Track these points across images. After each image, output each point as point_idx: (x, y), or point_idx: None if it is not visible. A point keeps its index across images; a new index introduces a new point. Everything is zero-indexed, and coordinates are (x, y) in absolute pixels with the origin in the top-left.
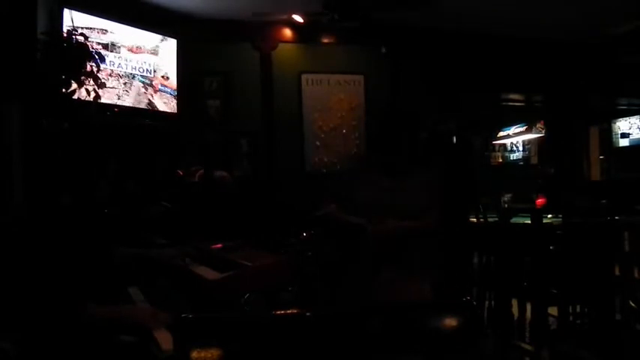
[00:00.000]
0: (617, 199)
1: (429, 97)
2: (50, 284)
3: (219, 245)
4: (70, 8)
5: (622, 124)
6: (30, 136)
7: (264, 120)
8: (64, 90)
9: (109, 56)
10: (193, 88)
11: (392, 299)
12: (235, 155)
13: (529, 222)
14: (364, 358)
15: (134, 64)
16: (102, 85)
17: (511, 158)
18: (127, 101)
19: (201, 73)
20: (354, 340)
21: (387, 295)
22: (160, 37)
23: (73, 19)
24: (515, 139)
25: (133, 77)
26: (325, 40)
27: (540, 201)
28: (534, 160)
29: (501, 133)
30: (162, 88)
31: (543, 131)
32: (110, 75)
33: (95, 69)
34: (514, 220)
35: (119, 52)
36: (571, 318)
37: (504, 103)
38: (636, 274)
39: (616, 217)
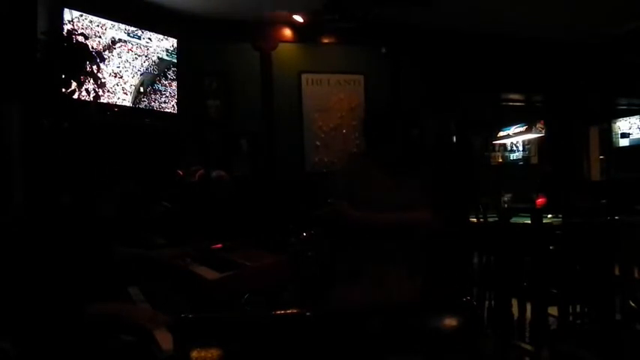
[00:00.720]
0: (617, 199)
1: (429, 97)
2: (50, 284)
3: (219, 245)
4: (70, 8)
5: (622, 124)
6: (30, 136)
7: (264, 120)
8: (64, 90)
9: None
10: (193, 88)
11: (393, 299)
12: (235, 155)
13: (529, 222)
14: (364, 358)
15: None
16: (102, 85)
17: (511, 158)
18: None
19: (201, 73)
20: (354, 340)
21: (389, 295)
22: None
23: (73, 19)
24: (515, 139)
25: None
26: (325, 40)
27: (540, 201)
28: (534, 160)
29: (501, 133)
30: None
31: (543, 131)
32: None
33: (95, 69)
34: (514, 220)
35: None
36: (571, 318)
37: (504, 103)
38: (636, 274)
39: (616, 217)
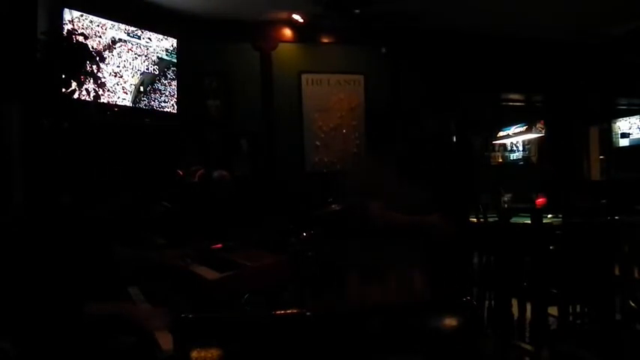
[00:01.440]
0: (617, 199)
1: (430, 97)
2: (50, 284)
3: (219, 245)
4: (71, 8)
5: (622, 124)
6: (30, 136)
7: (264, 120)
8: (64, 90)
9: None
10: (193, 88)
11: (404, 298)
12: (235, 155)
13: (529, 222)
14: (364, 357)
15: None
16: (102, 85)
17: (511, 158)
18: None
19: (201, 73)
20: (354, 339)
21: (399, 294)
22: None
23: (73, 19)
24: (515, 139)
25: None
26: (325, 40)
27: (540, 201)
28: (534, 160)
29: (501, 133)
30: None
31: (543, 131)
32: None
33: (95, 69)
34: (514, 220)
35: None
36: (571, 318)
37: (504, 103)
38: (636, 274)
39: (616, 217)
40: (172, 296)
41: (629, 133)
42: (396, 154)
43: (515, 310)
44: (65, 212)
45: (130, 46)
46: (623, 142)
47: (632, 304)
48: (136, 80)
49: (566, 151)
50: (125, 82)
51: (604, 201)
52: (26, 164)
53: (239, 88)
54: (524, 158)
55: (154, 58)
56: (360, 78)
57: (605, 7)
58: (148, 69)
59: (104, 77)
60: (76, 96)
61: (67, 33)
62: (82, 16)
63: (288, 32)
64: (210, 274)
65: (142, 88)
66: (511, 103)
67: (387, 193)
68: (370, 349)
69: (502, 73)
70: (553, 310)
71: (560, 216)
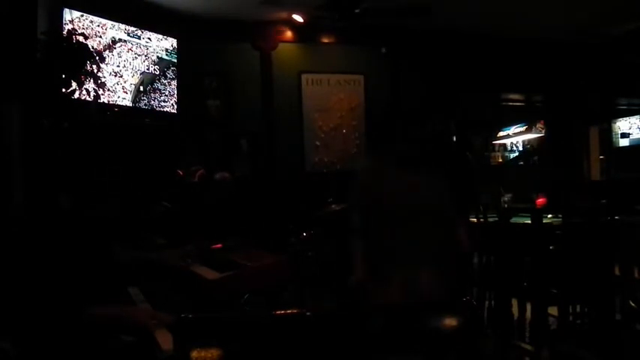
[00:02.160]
0: (617, 199)
1: (429, 97)
2: (50, 285)
3: (219, 245)
4: (71, 8)
5: (622, 124)
6: (30, 136)
7: (264, 120)
8: (64, 90)
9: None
10: (193, 88)
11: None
12: (235, 155)
13: (529, 222)
14: (364, 357)
15: None
16: (102, 85)
17: (511, 158)
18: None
19: (201, 73)
20: (354, 339)
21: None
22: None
23: (73, 19)
24: (515, 139)
25: None
26: (325, 40)
27: (540, 201)
28: (534, 160)
29: (501, 133)
30: None
31: (543, 131)
32: None
33: (95, 69)
34: (514, 220)
35: None
36: (571, 318)
37: (504, 103)
38: (636, 274)
39: (616, 217)
40: (172, 296)
41: (629, 133)
42: (397, 154)
43: (515, 310)
44: (65, 212)
45: (129, 46)
46: (623, 142)
47: (632, 304)
48: (136, 80)
49: (566, 151)
50: (125, 82)
51: (604, 201)
52: (26, 164)
53: (239, 88)
54: (524, 158)
55: (154, 57)
56: (360, 78)
57: (605, 7)
58: (148, 69)
59: (104, 77)
60: (76, 96)
61: (67, 33)
62: (82, 16)
63: (288, 32)
64: (210, 274)
65: (141, 88)
66: (511, 103)
67: (402, 193)
68: (370, 349)
69: (502, 73)
70: (553, 310)
71: (560, 216)
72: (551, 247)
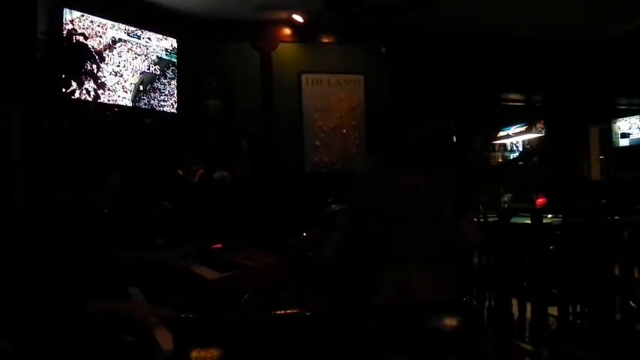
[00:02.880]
0: (617, 199)
1: (429, 97)
2: (50, 284)
3: (219, 245)
4: (71, 8)
5: (622, 124)
6: (30, 136)
7: (264, 120)
8: (64, 90)
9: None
10: (193, 88)
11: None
12: (235, 155)
13: (529, 222)
14: (364, 357)
15: None
16: (102, 85)
17: (511, 158)
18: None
19: (201, 73)
20: (354, 339)
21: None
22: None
23: (73, 19)
24: (515, 139)
25: None
26: (325, 40)
27: (540, 201)
28: (534, 161)
29: (501, 133)
30: None
31: (543, 131)
32: None
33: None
34: (514, 220)
35: None
36: (571, 318)
37: (504, 103)
38: (636, 274)
39: (616, 217)
40: (172, 296)
41: (629, 133)
42: (395, 154)
43: (515, 310)
44: (65, 212)
45: (129, 45)
46: (623, 142)
47: (632, 304)
48: (136, 80)
49: (566, 151)
50: (125, 82)
51: (604, 201)
52: (26, 164)
53: (239, 88)
54: (524, 158)
55: (154, 57)
56: (360, 78)
57: (605, 7)
58: (148, 69)
59: (104, 77)
60: (76, 96)
61: (67, 33)
62: (82, 16)
63: (288, 32)
64: (210, 274)
65: (141, 88)
66: (511, 103)
67: (402, 195)
68: (370, 349)
69: (502, 73)
70: (553, 310)
71: (560, 216)
72: (551, 247)
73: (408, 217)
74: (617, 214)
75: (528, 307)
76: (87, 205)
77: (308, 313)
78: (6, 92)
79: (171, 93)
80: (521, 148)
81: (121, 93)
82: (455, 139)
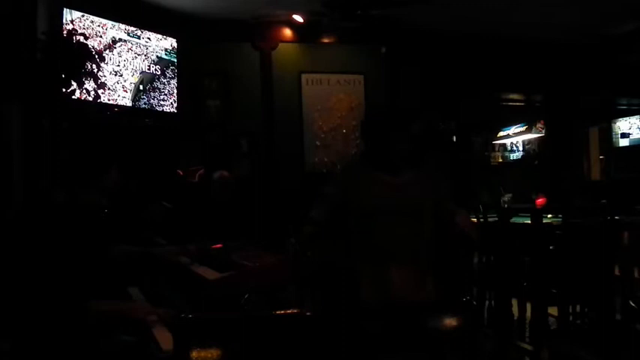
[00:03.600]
0: (617, 199)
1: (429, 97)
2: (50, 284)
3: (219, 245)
4: (71, 8)
5: (622, 124)
6: (30, 136)
7: (264, 120)
8: (64, 90)
9: None
10: (193, 88)
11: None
12: (235, 155)
13: (529, 222)
14: (364, 357)
15: None
16: (102, 85)
17: (511, 158)
18: None
19: (201, 73)
20: (354, 339)
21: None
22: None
23: (73, 19)
24: (515, 139)
25: None
26: (325, 40)
27: (540, 201)
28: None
29: (501, 133)
30: None
31: (543, 131)
32: None
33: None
34: (514, 220)
35: None
36: (571, 318)
37: (504, 103)
38: (636, 274)
39: (616, 217)
40: (172, 296)
41: (629, 133)
42: (382, 153)
43: (515, 310)
44: (65, 212)
45: (129, 45)
46: (623, 142)
47: (632, 304)
48: (135, 79)
49: (566, 151)
50: (125, 81)
51: (604, 201)
52: (26, 164)
53: (239, 88)
54: (524, 158)
55: (154, 57)
56: (360, 78)
57: (604, 7)
58: (148, 68)
59: (104, 76)
60: (76, 96)
61: (67, 33)
62: (82, 16)
63: (288, 32)
64: (210, 274)
65: (141, 87)
66: (511, 103)
67: (385, 195)
68: (370, 349)
69: (502, 74)
70: (553, 310)
71: (560, 216)
72: (551, 247)
73: (388, 215)
74: (617, 214)
75: (528, 307)
76: (86, 205)
77: (308, 313)
78: (6, 92)
79: (171, 93)
80: (521, 148)
81: (120, 93)
82: (455, 139)
